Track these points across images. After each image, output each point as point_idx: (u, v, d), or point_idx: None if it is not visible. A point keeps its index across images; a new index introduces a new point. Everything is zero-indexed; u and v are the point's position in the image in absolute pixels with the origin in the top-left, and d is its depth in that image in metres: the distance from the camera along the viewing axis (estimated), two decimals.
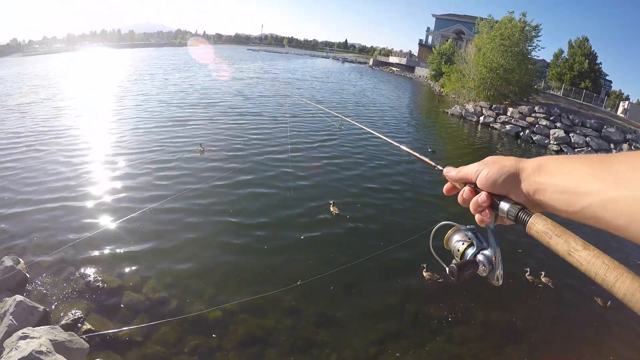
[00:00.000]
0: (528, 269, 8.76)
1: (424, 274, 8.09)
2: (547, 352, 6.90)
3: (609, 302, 8.34)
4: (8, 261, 6.97)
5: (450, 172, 1.10)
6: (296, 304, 7.07)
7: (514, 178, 0.93)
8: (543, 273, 8.72)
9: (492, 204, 0.98)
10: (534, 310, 7.97)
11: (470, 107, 32.63)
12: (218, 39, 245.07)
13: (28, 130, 16.37)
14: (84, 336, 5.74)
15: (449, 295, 7.79)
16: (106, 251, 7.97)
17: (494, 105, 31.33)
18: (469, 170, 1.03)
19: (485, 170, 0.98)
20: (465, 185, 1.05)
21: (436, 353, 6.41)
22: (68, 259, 7.61)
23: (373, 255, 8.50)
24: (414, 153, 1.35)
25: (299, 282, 7.40)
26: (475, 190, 1.02)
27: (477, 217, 1.03)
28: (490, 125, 29.54)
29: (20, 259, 7.29)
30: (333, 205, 10.72)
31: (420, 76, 73.47)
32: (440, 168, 1.18)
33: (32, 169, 12.16)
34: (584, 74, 47.27)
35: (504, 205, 0.94)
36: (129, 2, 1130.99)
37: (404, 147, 1.46)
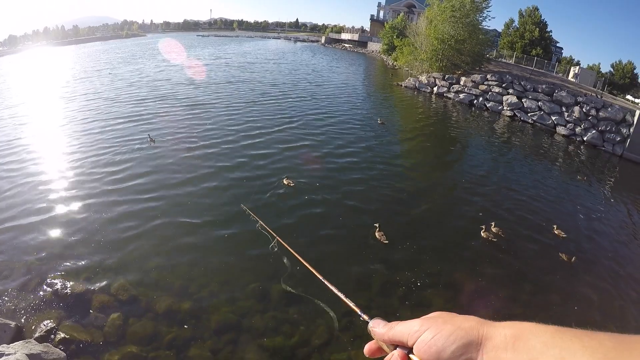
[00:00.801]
0: (483, 226, 9.09)
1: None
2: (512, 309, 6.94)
3: (573, 258, 8.57)
4: None
5: (378, 327, 0.81)
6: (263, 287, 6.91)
7: (472, 348, 0.67)
8: (493, 224, 9.19)
9: None
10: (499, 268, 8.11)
11: (423, 78, 32.41)
12: (166, 27, 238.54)
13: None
14: (59, 346, 5.64)
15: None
16: (69, 260, 7.51)
17: (446, 76, 31.21)
18: (405, 330, 0.75)
19: (429, 332, 0.71)
20: (395, 349, 0.77)
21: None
22: (32, 272, 7.19)
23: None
24: (340, 294, 0.99)
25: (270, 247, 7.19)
26: (409, 358, 0.74)
27: None
28: (444, 95, 29.54)
29: None
30: (287, 179, 10.80)
31: (373, 51, 73.73)
32: (366, 319, 0.87)
33: None
34: (535, 42, 48.03)
35: None
36: None
37: (332, 288, 1.07)
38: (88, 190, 10.33)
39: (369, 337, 0.83)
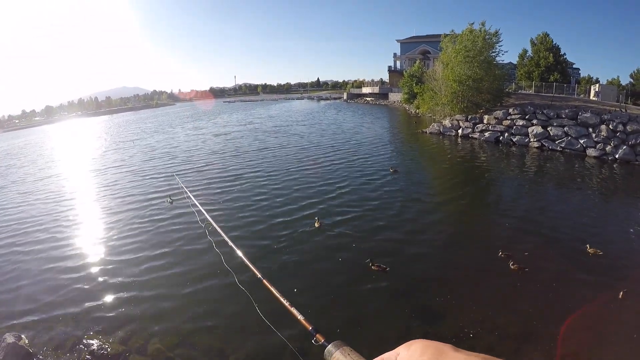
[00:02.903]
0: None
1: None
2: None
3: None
4: (10, 338, 7.10)
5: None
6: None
7: None
8: None
9: None
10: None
11: (447, 122, 33.06)
12: (194, 96, 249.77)
13: (27, 214, 16.47)
14: None
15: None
16: (106, 318, 8.01)
17: (469, 116, 31.72)
18: None
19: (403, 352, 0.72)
20: None
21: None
22: (69, 330, 7.64)
23: None
24: (296, 313, 1.10)
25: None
26: None
27: None
28: (470, 136, 29.98)
29: (22, 335, 7.36)
30: (317, 221, 12.30)
31: (394, 101, 74.90)
32: (322, 342, 0.90)
33: (27, 245, 12.63)
34: (551, 67, 48.46)
35: None
36: (104, 69, 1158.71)
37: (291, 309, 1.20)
38: (126, 249, 11.39)
39: None
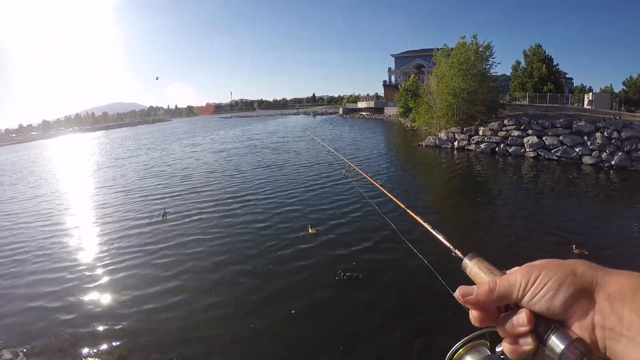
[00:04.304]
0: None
1: None
2: None
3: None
4: (7, 354, 7.11)
5: (483, 291, 0.70)
6: None
7: (584, 296, 0.61)
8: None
9: (538, 331, 0.64)
10: None
11: (442, 135, 33.33)
12: (190, 111, 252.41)
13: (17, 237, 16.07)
14: None
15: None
16: (103, 337, 8.03)
17: (464, 129, 31.95)
18: (511, 282, 0.68)
19: (541, 279, 0.65)
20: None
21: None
22: (67, 349, 7.66)
23: None
24: (436, 234, 1.11)
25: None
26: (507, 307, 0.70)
27: (506, 345, 0.67)
28: (466, 148, 30.14)
29: (20, 352, 7.37)
30: (311, 228, 12.68)
31: (390, 115, 75.52)
32: (459, 255, 0.88)
33: (24, 261, 12.70)
34: (544, 78, 48.94)
35: (557, 342, 0.60)
36: (101, 85, 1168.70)
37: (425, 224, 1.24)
38: (127, 271, 11.28)
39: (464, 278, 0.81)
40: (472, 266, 0.79)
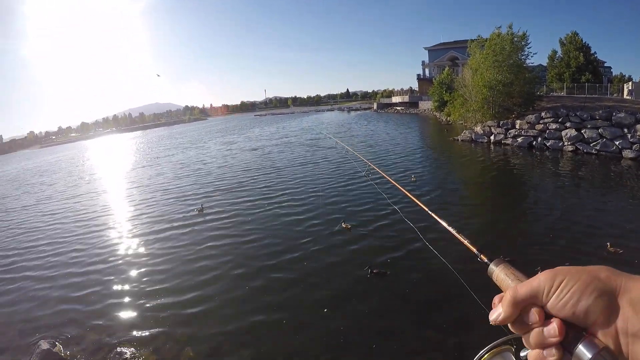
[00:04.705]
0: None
1: None
2: None
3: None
4: (44, 344, 7.49)
5: (521, 291, 0.70)
6: None
7: (607, 302, 0.61)
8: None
9: (564, 340, 0.64)
10: None
11: (478, 129, 33.29)
12: (225, 110, 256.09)
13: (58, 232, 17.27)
14: None
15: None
16: (139, 329, 8.39)
17: (501, 122, 31.69)
18: (534, 286, 0.69)
19: (565, 285, 0.65)
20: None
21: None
22: (103, 340, 8.03)
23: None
24: (462, 239, 1.13)
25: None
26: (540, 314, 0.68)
27: (533, 354, 0.68)
28: (502, 142, 29.99)
29: (57, 342, 7.81)
30: (345, 223, 13.31)
31: (425, 109, 74.98)
32: (485, 260, 0.89)
33: (63, 248, 14.27)
34: (582, 67, 47.81)
35: (585, 351, 0.61)
36: (137, 86, 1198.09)
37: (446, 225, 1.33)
38: (160, 262, 12.03)
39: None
40: (499, 272, 0.81)
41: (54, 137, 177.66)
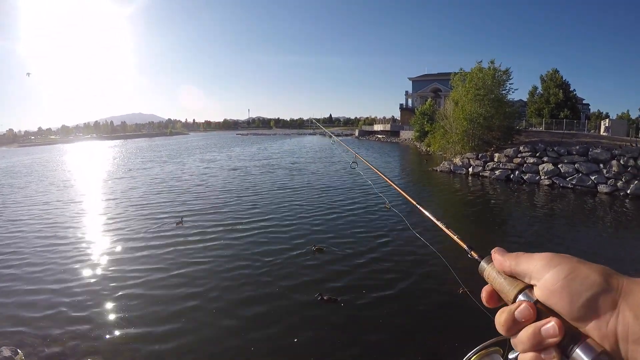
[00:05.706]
0: None
1: None
2: None
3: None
4: (6, 351, 7.07)
5: (504, 258, 0.70)
6: None
7: (606, 301, 0.56)
8: None
9: (560, 343, 0.59)
10: None
11: (457, 160, 33.37)
12: (207, 126, 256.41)
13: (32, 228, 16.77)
14: None
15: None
16: (105, 340, 8.01)
17: (480, 154, 31.88)
18: (530, 263, 0.65)
19: (561, 270, 0.61)
20: (522, 290, 0.66)
21: None
22: (67, 351, 7.61)
23: None
24: (451, 234, 1.07)
25: None
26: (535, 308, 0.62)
27: (530, 358, 0.60)
28: (480, 174, 30.02)
29: (19, 350, 7.34)
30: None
31: (405, 139, 75.72)
32: (476, 257, 0.84)
33: (30, 256, 13.04)
34: (561, 104, 48.93)
35: (582, 355, 0.57)
36: (120, 94, 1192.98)
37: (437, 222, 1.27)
38: (131, 272, 11.46)
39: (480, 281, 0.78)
40: (490, 270, 0.76)
41: (33, 138, 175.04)
